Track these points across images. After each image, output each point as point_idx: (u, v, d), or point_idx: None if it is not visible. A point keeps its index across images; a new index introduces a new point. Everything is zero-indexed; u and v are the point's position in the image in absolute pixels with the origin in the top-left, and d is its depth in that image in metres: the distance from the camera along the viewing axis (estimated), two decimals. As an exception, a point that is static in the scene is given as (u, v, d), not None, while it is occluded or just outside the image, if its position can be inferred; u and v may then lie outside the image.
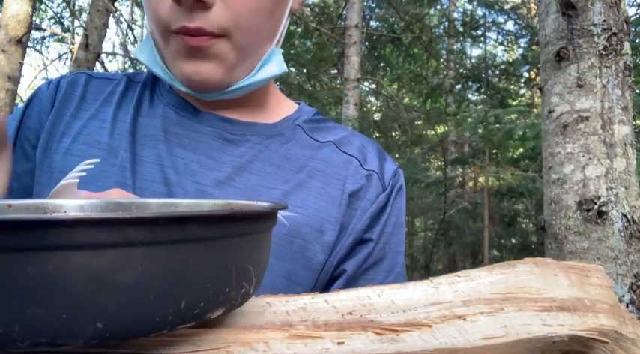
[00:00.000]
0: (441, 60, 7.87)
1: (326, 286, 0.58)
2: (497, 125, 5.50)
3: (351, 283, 0.58)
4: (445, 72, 7.91)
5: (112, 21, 4.48)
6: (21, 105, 0.63)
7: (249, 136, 0.59)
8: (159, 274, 0.23)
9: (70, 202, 0.38)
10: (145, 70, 0.63)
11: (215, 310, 0.25)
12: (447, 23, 8.14)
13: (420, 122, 7.65)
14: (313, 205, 0.57)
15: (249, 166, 0.57)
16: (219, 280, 0.25)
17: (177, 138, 0.57)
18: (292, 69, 7.00)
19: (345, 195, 0.59)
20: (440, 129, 7.43)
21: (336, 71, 6.94)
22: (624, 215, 1.44)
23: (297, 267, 0.55)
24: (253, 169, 0.57)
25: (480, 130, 5.94)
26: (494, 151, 6.72)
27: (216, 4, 0.51)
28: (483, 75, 7.01)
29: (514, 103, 7.06)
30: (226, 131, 0.58)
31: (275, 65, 0.58)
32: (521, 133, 4.95)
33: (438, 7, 8.23)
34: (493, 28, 7.61)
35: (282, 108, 0.65)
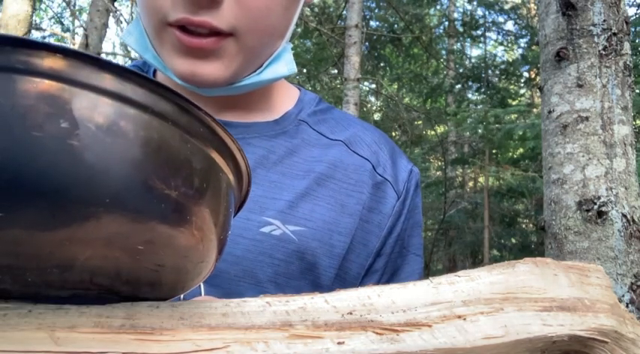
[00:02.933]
0: (441, 60, 7.87)
1: None
2: (497, 125, 5.51)
3: None
4: (445, 72, 7.91)
5: (112, 21, 4.49)
6: None
7: (250, 138, 0.53)
8: None
9: None
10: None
11: None
12: (447, 23, 8.14)
13: (420, 122, 7.65)
14: (322, 216, 0.52)
15: (252, 175, 0.53)
16: None
17: None
18: (292, 69, 6.99)
19: (360, 206, 0.54)
20: (440, 129, 7.43)
21: (336, 71, 6.95)
22: (624, 215, 1.44)
23: (306, 284, 0.51)
24: (257, 177, 0.52)
25: (480, 130, 5.94)
26: (494, 151, 6.72)
27: (226, 1, 0.44)
28: (483, 75, 7.01)
29: (514, 103, 7.07)
30: None
31: (284, 65, 0.53)
32: (521, 133, 4.95)
33: (438, 7, 8.24)
34: (493, 28, 7.61)
35: (283, 100, 0.59)
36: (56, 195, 0.21)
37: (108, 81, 0.22)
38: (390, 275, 0.57)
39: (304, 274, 0.51)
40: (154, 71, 0.59)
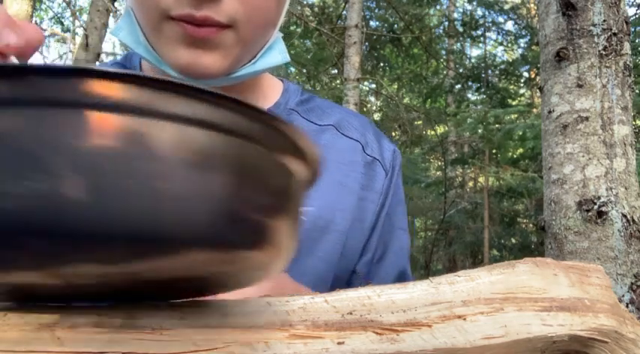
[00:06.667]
0: (441, 60, 7.87)
1: (347, 282, 0.58)
2: (497, 125, 5.51)
3: (371, 272, 0.58)
4: (445, 72, 7.91)
5: (111, 21, 4.48)
6: None
7: None
8: None
9: None
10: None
11: None
12: (446, 23, 8.14)
13: (420, 122, 7.65)
14: (323, 195, 0.55)
15: None
16: None
17: None
18: (292, 69, 7.00)
19: (357, 185, 0.58)
20: (440, 129, 7.44)
21: (336, 71, 6.94)
22: (624, 215, 1.44)
23: (318, 262, 0.54)
24: None
25: (479, 130, 5.94)
26: (494, 151, 6.72)
27: None
28: (483, 75, 7.01)
29: (514, 103, 7.07)
30: None
31: (278, 53, 0.55)
32: (521, 133, 4.95)
33: (438, 7, 8.24)
34: (493, 28, 7.61)
35: (271, 91, 0.62)
36: (135, 237, 0.19)
37: (184, 107, 0.20)
38: (382, 253, 0.60)
39: (314, 251, 0.54)
40: (140, 66, 0.61)
